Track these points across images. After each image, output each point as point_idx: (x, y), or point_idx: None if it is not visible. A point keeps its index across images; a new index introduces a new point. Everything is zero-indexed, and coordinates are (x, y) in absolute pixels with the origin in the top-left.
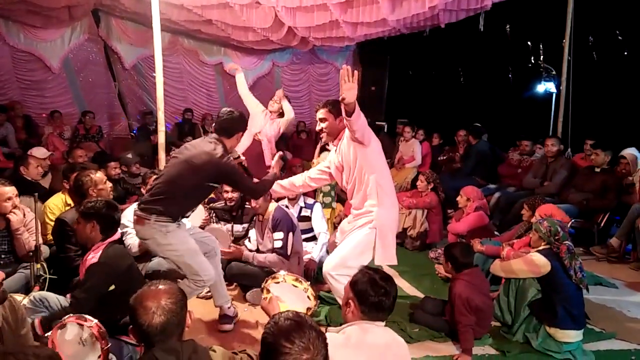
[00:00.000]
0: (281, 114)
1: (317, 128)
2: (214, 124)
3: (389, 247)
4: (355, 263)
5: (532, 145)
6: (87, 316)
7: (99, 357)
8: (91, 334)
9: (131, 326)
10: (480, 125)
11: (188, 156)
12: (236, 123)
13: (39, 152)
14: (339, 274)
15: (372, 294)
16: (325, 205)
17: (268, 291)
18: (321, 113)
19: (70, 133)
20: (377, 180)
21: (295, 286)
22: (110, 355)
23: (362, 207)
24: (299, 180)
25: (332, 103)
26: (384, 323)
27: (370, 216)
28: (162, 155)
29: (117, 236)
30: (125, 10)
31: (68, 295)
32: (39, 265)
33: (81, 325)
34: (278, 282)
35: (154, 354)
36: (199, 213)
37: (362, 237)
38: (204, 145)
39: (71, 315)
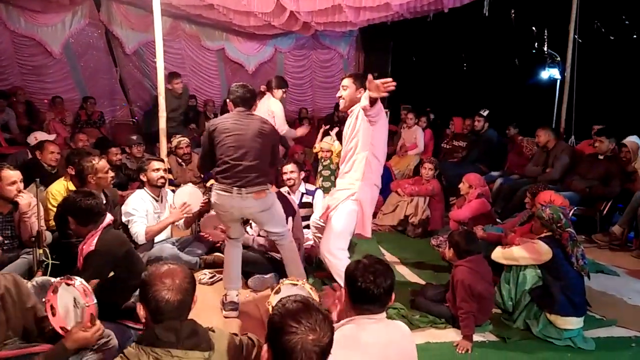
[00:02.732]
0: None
1: (338, 94)
2: (233, 98)
3: (367, 220)
4: (349, 236)
5: None
6: (72, 276)
7: (86, 314)
8: (76, 292)
9: (141, 302)
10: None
11: (256, 128)
12: (255, 95)
13: (42, 136)
14: (338, 248)
15: (360, 280)
16: (324, 190)
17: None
18: (346, 81)
19: (72, 119)
20: (368, 158)
21: (295, 284)
22: (108, 332)
23: (346, 176)
24: None
25: (356, 75)
26: (384, 315)
27: (353, 189)
28: (163, 140)
29: (108, 220)
30: None
31: None
32: (41, 251)
33: (69, 285)
34: (279, 292)
35: (155, 331)
36: (197, 196)
37: (350, 210)
38: (253, 117)
39: (61, 277)
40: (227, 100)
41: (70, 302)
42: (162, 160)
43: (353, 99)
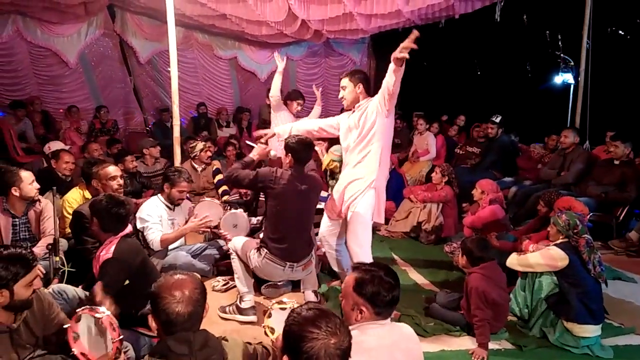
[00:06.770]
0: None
1: (339, 96)
2: (293, 155)
3: (382, 207)
4: (371, 224)
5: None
6: (99, 307)
7: (112, 349)
8: (103, 325)
9: (152, 314)
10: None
11: (313, 198)
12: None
13: (56, 145)
14: (366, 239)
15: (385, 294)
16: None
17: (272, 330)
18: (343, 81)
19: (87, 127)
20: (382, 148)
21: (283, 309)
22: (126, 344)
23: (359, 166)
24: (313, 126)
25: (353, 73)
26: (388, 320)
27: (370, 178)
28: (177, 149)
29: (127, 230)
30: (140, 6)
31: (81, 286)
32: (57, 258)
33: (92, 316)
34: (271, 316)
35: (167, 343)
36: (218, 211)
37: (371, 199)
38: (310, 179)
39: (85, 307)
40: (287, 152)
41: (93, 329)
42: (191, 182)
43: (352, 96)
